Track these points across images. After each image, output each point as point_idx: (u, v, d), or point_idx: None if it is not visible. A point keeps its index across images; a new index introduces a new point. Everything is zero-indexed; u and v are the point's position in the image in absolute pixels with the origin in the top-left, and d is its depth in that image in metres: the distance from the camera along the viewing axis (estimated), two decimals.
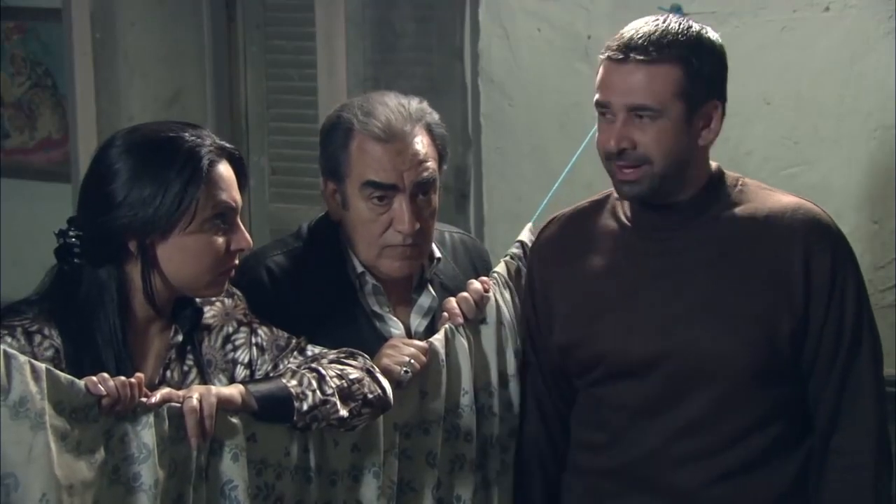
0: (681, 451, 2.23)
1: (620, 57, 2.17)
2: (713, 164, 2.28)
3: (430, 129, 2.35)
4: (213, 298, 2.12)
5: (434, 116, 2.37)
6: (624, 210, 2.31)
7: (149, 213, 1.96)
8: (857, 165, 3.12)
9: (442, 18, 3.85)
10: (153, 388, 1.95)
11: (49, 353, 1.94)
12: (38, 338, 1.95)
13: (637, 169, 2.19)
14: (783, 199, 2.25)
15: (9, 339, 1.91)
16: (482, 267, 2.51)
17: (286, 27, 4.18)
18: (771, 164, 3.18)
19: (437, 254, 2.44)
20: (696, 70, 2.16)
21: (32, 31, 4.20)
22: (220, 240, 2.03)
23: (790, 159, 3.18)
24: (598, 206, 2.36)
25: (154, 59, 4.15)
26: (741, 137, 3.20)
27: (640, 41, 2.16)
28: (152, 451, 1.83)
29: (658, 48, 2.15)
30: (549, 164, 3.37)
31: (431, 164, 2.33)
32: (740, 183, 2.28)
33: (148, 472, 1.83)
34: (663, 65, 2.15)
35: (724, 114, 2.24)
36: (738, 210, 2.24)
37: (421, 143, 2.32)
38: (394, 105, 2.34)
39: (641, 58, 2.16)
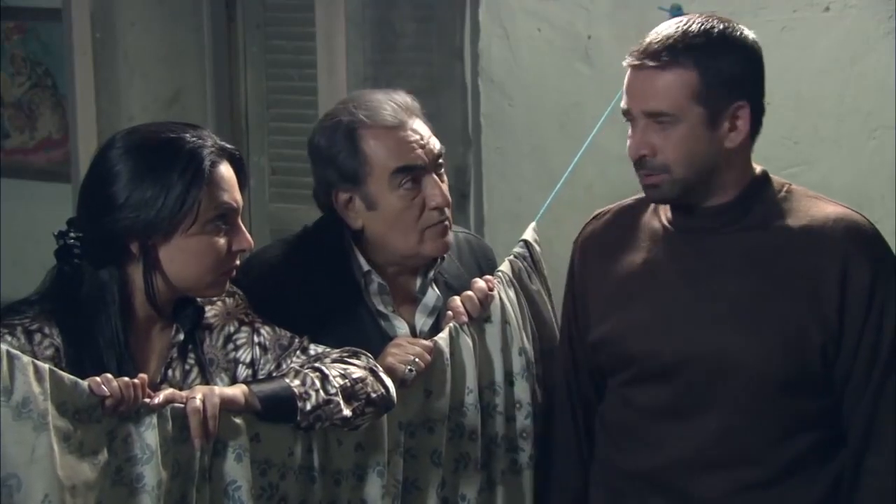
0: (705, 458, 2.20)
1: (637, 63, 2.16)
2: (757, 168, 2.25)
3: (423, 115, 2.39)
4: (214, 298, 2.12)
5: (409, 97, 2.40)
6: (665, 210, 2.29)
7: (151, 214, 1.97)
8: (857, 165, 3.12)
9: (442, 18, 3.85)
10: (155, 387, 1.95)
11: (49, 351, 1.94)
12: (38, 336, 1.95)
13: (657, 176, 2.18)
14: (827, 209, 2.21)
15: (9, 338, 1.91)
16: (487, 266, 2.51)
17: (286, 27, 4.18)
18: (771, 164, 3.13)
19: None
20: (715, 73, 2.13)
21: (32, 31, 4.20)
22: (222, 240, 2.03)
23: (790, 159, 3.18)
24: (643, 203, 2.33)
25: (154, 59, 4.15)
26: None
27: (656, 46, 2.14)
28: (155, 452, 1.83)
29: (672, 53, 2.13)
30: (549, 164, 3.37)
31: (438, 140, 2.36)
32: (785, 189, 2.24)
33: (151, 473, 1.83)
34: (677, 70, 2.13)
35: (757, 113, 2.19)
36: (778, 216, 2.20)
37: (423, 124, 2.36)
38: (382, 96, 2.36)
39: (654, 64, 2.14)
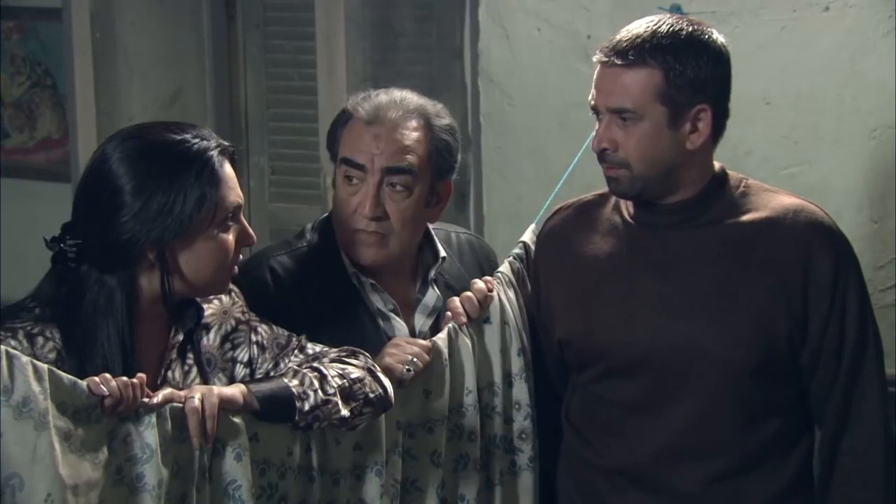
0: (679, 449, 2.24)
1: (605, 60, 2.21)
2: (717, 165, 2.29)
3: (429, 128, 2.34)
4: (211, 297, 2.12)
5: (442, 121, 2.36)
6: (627, 205, 2.32)
7: (170, 220, 1.95)
8: (857, 165, 3.13)
9: (442, 18, 3.85)
10: (155, 388, 1.95)
11: (52, 355, 1.92)
12: (40, 340, 1.93)
13: (618, 170, 2.23)
14: (785, 201, 2.26)
15: (12, 342, 1.89)
16: (489, 267, 2.51)
17: (286, 27, 4.18)
18: (771, 163, 3.18)
19: (442, 253, 2.45)
20: (679, 74, 2.17)
21: (32, 31, 4.20)
22: (232, 238, 2.03)
23: (790, 159, 3.18)
24: (604, 199, 2.36)
25: (154, 59, 4.15)
26: (741, 137, 3.20)
27: (625, 45, 2.18)
28: (155, 452, 1.83)
29: (638, 52, 2.17)
30: (549, 164, 3.37)
31: (412, 157, 2.32)
32: (743, 184, 2.29)
33: (151, 473, 1.83)
34: (642, 69, 2.17)
35: (720, 117, 2.24)
36: (739, 211, 2.25)
37: (406, 134, 2.32)
38: (394, 96, 2.36)
39: (621, 62, 2.18)
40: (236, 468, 1.94)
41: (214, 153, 2.00)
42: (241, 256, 2.09)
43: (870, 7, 3.06)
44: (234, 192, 2.03)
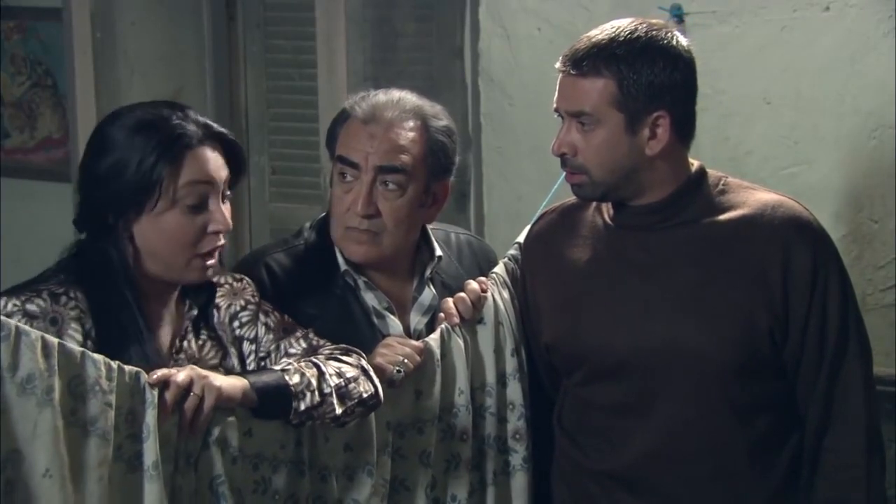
0: (668, 450, 2.23)
1: (563, 69, 2.21)
2: (694, 164, 2.29)
3: (425, 128, 2.35)
4: (222, 280, 2.15)
5: (439, 122, 2.37)
6: (608, 207, 2.32)
7: (120, 188, 1.99)
8: (857, 165, 3.12)
9: (442, 18, 3.86)
10: (171, 357, 2.00)
11: (74, 312, 1.96)
12: (63, 298, 1.97)
13: (578, 175, 2.24)
14: (763, 197, 2.25)
15: (36, 299, 1.94)
16: (489, 269, 2.49)
17: (286, 27, 4.18)
18: (771, 163, 3.18)
19: (438, 252, 2.45)
20: (634, 83, 2.16)
21: (32, 30, 4.20)
22: (195, 221, 2.03)
23: (790, 159, 3.18)
24: (587, 202, 2.36)
25: (154, 59, 4.15)
26: (741, 137, 3.20)
27: (581, 54, 2.19)
28: (152, 432, 1.84)
29: (592, 62, 2.17)
30: (549, 164, 3.34)
31: (406, 157, 2.32)
32: (722, 183, 2.28)
33: (149, 453, 1.84)
34: (596, 78, 2.17)
35: (682, 121, 2.22)
36: (718, 208, 2.24)
37: (402, 134, 2.32)
38: (392, 96, 2.36)
39: (575, 72, 2.19)
40: (222, 464, 1.94)
41: (188, 132, 2.01)
42: (219, 243, 2.07)
43: (870, 7, 3.06)
44: (204, 174, 2.03)
